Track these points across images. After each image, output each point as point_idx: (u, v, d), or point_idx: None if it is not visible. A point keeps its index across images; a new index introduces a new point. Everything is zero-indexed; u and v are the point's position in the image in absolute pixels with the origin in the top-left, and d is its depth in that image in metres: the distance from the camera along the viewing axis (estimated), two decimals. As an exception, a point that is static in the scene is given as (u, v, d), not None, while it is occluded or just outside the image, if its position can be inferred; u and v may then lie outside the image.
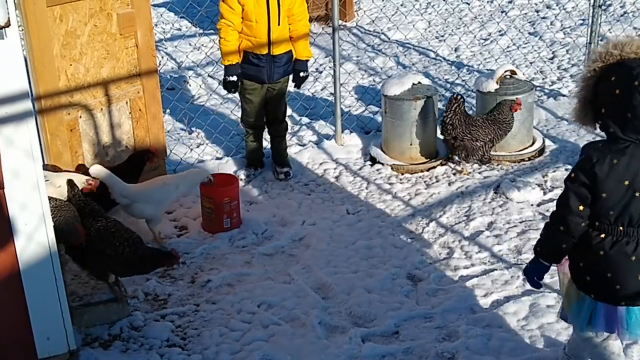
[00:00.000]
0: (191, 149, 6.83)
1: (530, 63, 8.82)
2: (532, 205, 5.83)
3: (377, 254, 5.29)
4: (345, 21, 10.45)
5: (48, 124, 5.26)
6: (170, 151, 6.58)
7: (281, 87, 6.17)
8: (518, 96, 6.37)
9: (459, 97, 6.29)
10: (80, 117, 5.45)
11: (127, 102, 5.73)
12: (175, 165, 6.49)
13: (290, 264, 5.21)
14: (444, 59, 9.19)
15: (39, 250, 3.92)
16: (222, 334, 4.50)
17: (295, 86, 6.26)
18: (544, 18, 10.45)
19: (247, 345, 4.39)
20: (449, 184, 6.20)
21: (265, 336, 4.46)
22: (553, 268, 4.66)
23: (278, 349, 4.34)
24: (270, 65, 5.93)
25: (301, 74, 6.13)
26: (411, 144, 6.44)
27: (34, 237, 3.88)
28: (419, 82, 6.50)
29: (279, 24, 5.81)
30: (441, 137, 6.48)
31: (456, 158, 6.41)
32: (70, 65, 5.29)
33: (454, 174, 6.35)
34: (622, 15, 10.27)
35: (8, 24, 3.47)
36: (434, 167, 6.47)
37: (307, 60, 6.16)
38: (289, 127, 6.57)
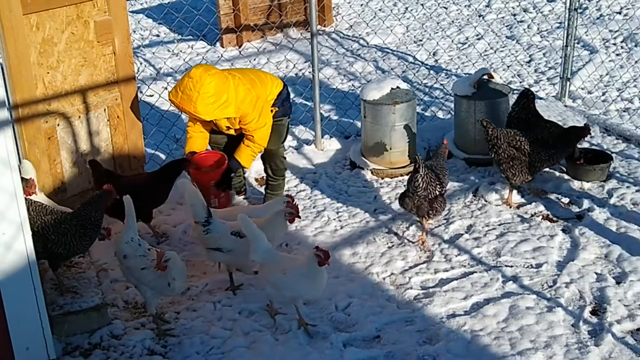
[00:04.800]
0: (170, 156, 6.80)
1: (508, 66, 8.89)
2: (510, 207, 5.88)
3: (358, 258, 5.31)
4: (324, 26, 10.49)
5: (26, 133, 5.22)
6: (150, 158, 6.56)
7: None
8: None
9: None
10: (58, 125, 5.41)
11: (105, 110, 5.70)
12: (154, 172, 6.45)
13: (271, 270, 5.20)
14: (422, 63, 9.25)
15: (17, 260, 3.89)
16: (203, 342, 4.49)
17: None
18: (520, 22, 10.54)
19: (228, 353, 4.38)
20: (429, 188, 6.22)
21: (247, 343, 4.46)
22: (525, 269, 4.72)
23: (259, 356, 4.34)
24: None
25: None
26: (391, 148, 6.46)
27: (13, 246, 3.85)
28: (398, 87, 6.53)
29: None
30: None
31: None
32: (48, 73, 5.25)
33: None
34: (597, 18, 10.39)
35: (-18, 33, 3.45)
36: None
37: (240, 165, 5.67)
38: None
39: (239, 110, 5.39)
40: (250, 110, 5.42)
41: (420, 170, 5.27)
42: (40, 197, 4.98)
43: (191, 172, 5.65)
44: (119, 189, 4.86)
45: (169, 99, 5.31)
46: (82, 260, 5.09)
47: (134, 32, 10.16)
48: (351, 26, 10.10)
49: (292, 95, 8.28)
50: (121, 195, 4.71)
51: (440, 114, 7.73)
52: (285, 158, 6.02)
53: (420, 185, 5.27)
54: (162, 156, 6.79)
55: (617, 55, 9.13)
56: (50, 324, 4.18)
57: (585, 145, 6.71)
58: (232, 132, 5.70)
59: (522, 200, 5.98)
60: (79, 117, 5.54)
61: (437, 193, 5.37)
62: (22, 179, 4.87)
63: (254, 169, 6.37)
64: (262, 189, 6.17)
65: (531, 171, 5.84)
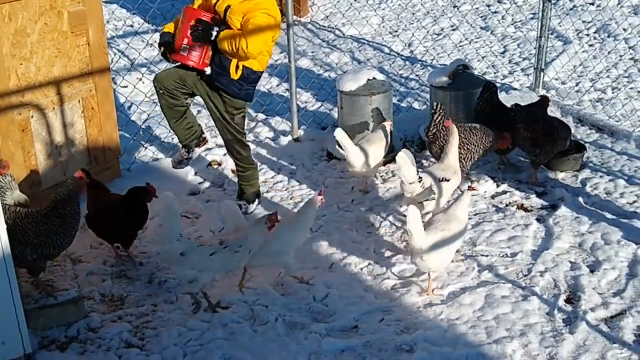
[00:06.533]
0: (145, 147, 6.76)
1: (482, 57, 8.95)
2: (485, 197, 5.93)
3: (336, 249, 5.32)
4: (300, 17, 10.46)
5: (-1, 125, 5.16)
6: (125, 150, 6.51)
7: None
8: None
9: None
10: (32, 116, 5.35)
11: (79, 101, 5.65)
12: (129, 164, 6.42)
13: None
14: (397, 54, 9.27)
15: (-9, 253, 3.85)
16: (180, 334, 4.48)
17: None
18: (495, 12, 10.60)
19: (206, 344, 4.38)
20: (405, 178, 6.25)
21: (225, 335, 4.45)
22: (501, 262, 4.76)
23: (238, 347, 4.34)
24: None
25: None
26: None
27: (-13, 240, 3.81)
28: (374, 78, 6.54)
29: None
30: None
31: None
32: (21, 64, 5.19)
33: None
34: (571, 9, 10.49)
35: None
36: (390, 162, 6.52)
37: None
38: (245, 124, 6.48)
39: (258, 4, 5.15)
40: (260, 14, 5.16)
41: (434, 116, 5.93)
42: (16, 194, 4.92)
43: (185, 8, 5.34)
44: (99, 203, 4.96)
45: None
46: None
47: (108, 22, 10.06)
48: (327, 17, 10.10)
49: (268, 87, 8.30)
50: (101, 209, 4.94)
51: (416, 105, 7.77)
52: (248, 146, 5.78)
53: (430, 130, 5.96)
54: (138, 148, 6.74)
55: (590, 46, 9.23)
56: (26, 317, 4.14)
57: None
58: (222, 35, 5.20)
59: (497, 190, 6.03)
60: (53, 108, 5.48)
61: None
62: None
63: (231, 161, 6.34)
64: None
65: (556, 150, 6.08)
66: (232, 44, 5.17)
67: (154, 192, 5.12)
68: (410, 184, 5.21)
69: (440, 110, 5.93)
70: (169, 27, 5.48)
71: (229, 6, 5.22)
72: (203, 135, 6.03)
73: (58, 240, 4.49)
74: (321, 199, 4.88)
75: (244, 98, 5.52)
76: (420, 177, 5.23)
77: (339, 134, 5.83)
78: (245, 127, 6.61)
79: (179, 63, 5.44)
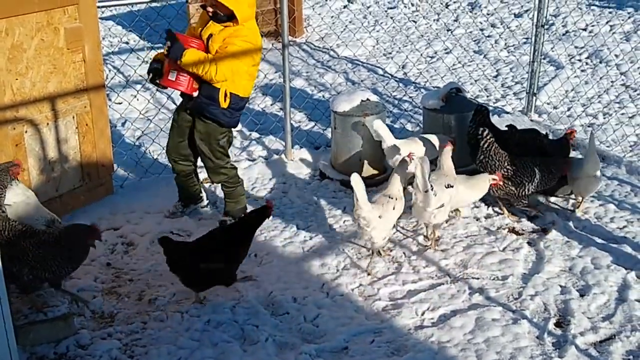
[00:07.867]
0: (138, 164, 6.76)
1: (475, 81, 9.01)
2: (477, 220, 5.95)
3: (327, 269, 5.32)
4: (295, 37, 10.53)
5: (-8, 139, 5.17)
6: (117, 167, 6.51)
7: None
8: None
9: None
10: (26, 132, 5.36)
11: (73, 117, 5.66)
12: (122, 181, 6.42)
13: (240, 281, 5.20)
14: (391, 76, 9.33)
15: (-18, 268, 3.83)
16: (170, 352, 4.46)
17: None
18: (488, 37, 10.69)
19: (196, 363, 4.37)
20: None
21: (215, 354, 4.43)
22: (492, 285, 4.77)
23: (227, 366, 4.33)
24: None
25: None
26: (360, 159, 6.51)
27: (-22, 255, 3.80)
28: (368, 99, 6.58)
29: None
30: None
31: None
32: (16, 79, 5.20)
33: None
34: (564, 35, 10.60)
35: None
36: (383, 182, 6.54)
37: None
38: (239, 142, 6.51)
39: (237, 30, 5.20)
40: (239, 41, 5.20)
41: (481, 143, 5.87)
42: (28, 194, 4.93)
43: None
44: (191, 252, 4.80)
45: None
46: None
47: (103, 39, 10.09)
48: (322, 38, 10.16)
49: (262, 106, 8.33)
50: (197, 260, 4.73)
51: (409, 127, 7.81)
52: (233, 167, 5.79)
53: (479, 158, 5.92)
54: (131, 165, 6.74)
55: (582, 71, 9.31)
56: (15, 333, 4.11)
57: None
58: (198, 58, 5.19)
59: (488, 212, 6.06)
60: (47, 124, 5.49)
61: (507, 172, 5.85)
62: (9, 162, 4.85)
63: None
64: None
65: None
66: (200, 67, 5.18)
67: (272, 207, 5.09)
68: (424, 192, 5.25)
69: (488, 137, 5.83)
70: (160, 55, 5.46)
71: (211, 34, 5.27)
72: (201, 195, 6.11)
73: (59, 270, 4.53)
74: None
75: (230, 125, 5.56)
76: (432, 186, 5.28)
77: (378, 124, 6.15)
78: (239, 146, 6.65)
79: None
